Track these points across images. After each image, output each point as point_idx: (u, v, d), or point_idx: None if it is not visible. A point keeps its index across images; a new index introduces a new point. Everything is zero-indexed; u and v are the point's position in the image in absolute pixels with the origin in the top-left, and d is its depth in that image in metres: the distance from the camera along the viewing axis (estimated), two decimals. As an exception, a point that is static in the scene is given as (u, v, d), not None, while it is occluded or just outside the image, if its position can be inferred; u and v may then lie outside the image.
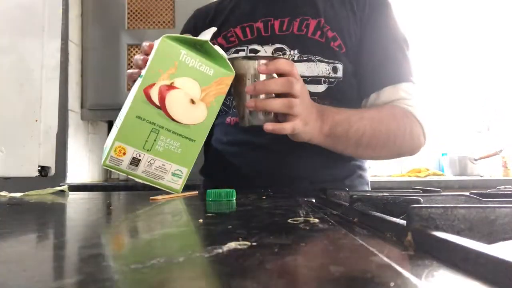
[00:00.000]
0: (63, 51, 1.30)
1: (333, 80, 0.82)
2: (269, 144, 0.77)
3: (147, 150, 0.56)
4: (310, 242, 0.23)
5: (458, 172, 1.94)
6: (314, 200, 0.59)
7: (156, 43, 0.55)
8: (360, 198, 0.37)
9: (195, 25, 0.94)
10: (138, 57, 0.62)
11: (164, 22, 1.61)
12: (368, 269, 0.16)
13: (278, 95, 0.61)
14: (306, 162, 0.78)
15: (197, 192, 0.62)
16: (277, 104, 0.60)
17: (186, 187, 0.60)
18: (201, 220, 0.31)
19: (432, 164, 2.17)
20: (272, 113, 0.62)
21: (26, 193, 0.64)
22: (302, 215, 0.33)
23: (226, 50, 0.86)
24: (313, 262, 0.18)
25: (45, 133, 0.44)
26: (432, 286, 0.16)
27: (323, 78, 0.81)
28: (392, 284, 0.14)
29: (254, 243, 0.21)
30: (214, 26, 0.91)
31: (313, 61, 0.82)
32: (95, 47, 1.58)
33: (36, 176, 0.45)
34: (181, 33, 0.98)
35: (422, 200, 0.33)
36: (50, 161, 0.46)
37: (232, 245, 0.20)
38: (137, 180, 0.56)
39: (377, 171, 2.16)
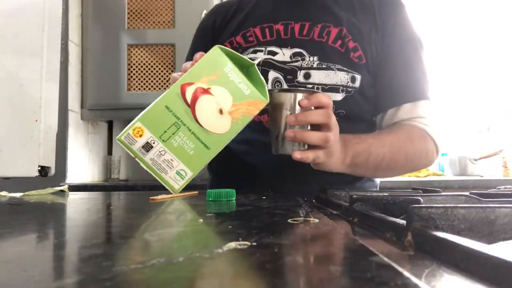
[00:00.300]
0: (63, 51, 1.30)
1: (350, 89, 0.82)
2: None
3: (163, 141, 0.57)
4: (310, 242, 0.23)
5: (458, 172, 1.94)
6: (314, 200, 0.59)
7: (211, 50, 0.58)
8: (360, 198, 0.37)
9: (214, 20, 0.94)
10: (188, 63, 0.63)
11: (164, 22, 1.61)
12: (368, 269, 0.16)
13: (313, 127, 0.62)
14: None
15: (197, 192, 0.62)
16: (315, 137, 0.61)
17: (188, 187, 0.59)
18: (201, 220, 0.31)
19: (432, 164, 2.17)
20: (306, 145, 0.63)
21: (26, 193, 0.64)
22: (302, 215, 0.33)
23: (244, 49, 0.86)
24: (313, 262, 0.18)
25: (45, 133, 0.44)
26: (432, 286, 0.16)
27: (341, 87, 0.81)
28: (392, 284, 0.14)
29: (254, 243, 0.21)
30: (234, 23, 0.91)
31: (332, 69, 0.81)
32: (95, 47, 1.58)
33: (36, 176, 0.45)
34: (199, 27, 0.99)
35: (422, 200, 0.33)
36: (50, 161, 0.46)
37: (232, 245, 0.20)
38: (141, 164, 0.57)
39: (377, 171, 2.16)
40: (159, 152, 0.57)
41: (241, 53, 0.85)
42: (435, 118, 0.85)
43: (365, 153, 0.72)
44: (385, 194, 0.40)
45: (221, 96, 0.58)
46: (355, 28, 0.84)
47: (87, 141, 1.63)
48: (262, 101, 0.60)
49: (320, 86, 0.81)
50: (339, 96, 0.81)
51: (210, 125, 0.58)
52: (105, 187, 1.46)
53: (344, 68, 0.82)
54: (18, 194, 0.63)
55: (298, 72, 0.82)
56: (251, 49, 0.86)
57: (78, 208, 0.45)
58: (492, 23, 2.23)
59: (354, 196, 0.38)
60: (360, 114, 0.84)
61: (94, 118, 1.61)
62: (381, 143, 0.76)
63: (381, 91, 0.84)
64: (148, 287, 0.14)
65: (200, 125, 0.58)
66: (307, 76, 0.81)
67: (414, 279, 0.15)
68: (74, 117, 1.53)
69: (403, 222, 0.26)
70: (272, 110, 0.64)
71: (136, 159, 0.57)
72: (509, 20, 2.22)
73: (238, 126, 0.60)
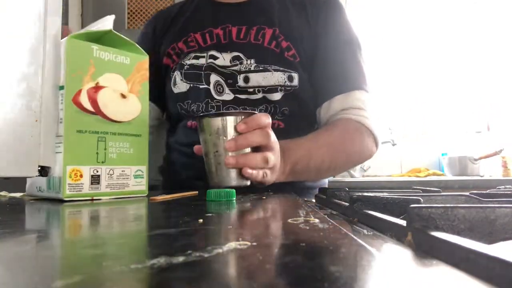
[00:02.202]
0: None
1: (289, 88, 0.84)
2: None
3: (102, 162, 0.52)
4: (310, 242, 0.23)
5: (458, 172, 1.94)
6: (314, 200, 0.59)
7: (63, 46, 0.51)
8: (360, 198, 0.37)
9: (154, 27, 0.96)
10: None
11: (164, 22, 1.61)
12: (368, 269, 0.16)
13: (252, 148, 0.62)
14: None
15: (197, 192, 0.62)
16: (258, 161, 0.60)
17: (188, 187, 0.59)
18: (201, 220, 0.31)
19: (432, 164, 2.17)
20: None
21: (26, 193, 0.64)
22: (302, 215, 0.33)
23: (186, 54, 0.88)
24: (313, 262, 0.18)
25: (45, 133, 0.44)
26: (432, 286, 0.16)
27: (279, 87, 0.83)
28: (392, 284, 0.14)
29: (254, 243, 0.21)
30: (175, 29, 0.93)
31: (269, 70, 0.83)
32: (95, 47, 1.58)
33: (36, 176, 0.45)
34: (140, 35, 0.99)
35: (422, 200, 0.33)
36: (50, 161, 0.46)
37: (232, 245, 0.20)
38: (104, 198, 0.52)
39: (377, 171, 2.16)
40: (109, 174, 0.53)
41: (183, 58, 0.87)
42: (372, 110, 0.86)
43: (304, 159, 0.74)
44: (385, 194, 0.40)
45: (112, 82, 0.54)
46: (288, 28, 0.86)
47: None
48: (145, 59, 0.58)
49: (260, 88, 0.84)
50: (278, 96, 0.84)
51: (124, 115, 0.55)
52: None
53: (281, 68, 0.84)
54: (18, 194, 0.63)
55: (238, 76, 0.84)
56: (193, 54, 0.88)
57: (78, 208, 0.45)
58: (492, 23, 2.23)
59: (354, 196, 0.38)
60: (303, 111, 0.86)
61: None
62: (320, 145, 0.77)
63: (317, 87, 0.87)
64: (148, 287, 0.14)
65: (117, 121, 0.54)
66: (246, 80, 0.84)
67: (414, 279, 0.15)
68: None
69: (403, 222, 0.26)
70: (206, 137, 0.60)
71: (94, 200, 0.51)
72: (509, 20, 2.22)
73: (145, 97, 0.58)
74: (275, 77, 0.83)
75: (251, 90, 0.84)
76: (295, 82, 0.84)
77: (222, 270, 0.16)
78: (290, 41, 0.85)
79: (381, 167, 2.15)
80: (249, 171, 0.59)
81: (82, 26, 1.62)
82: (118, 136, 0.54)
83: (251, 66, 0.84)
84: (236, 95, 0.85)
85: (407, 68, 2.25)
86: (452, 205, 0.25)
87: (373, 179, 1.82)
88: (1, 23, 0.41)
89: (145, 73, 0.58)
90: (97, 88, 0.52)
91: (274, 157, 0.62)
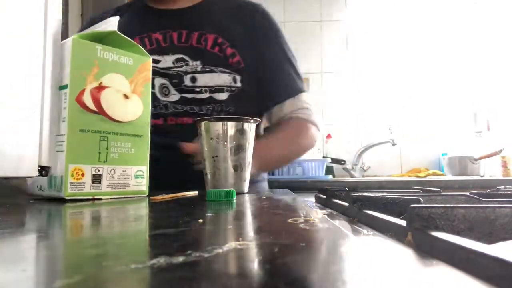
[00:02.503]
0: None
1: (234, 89, 0.90)
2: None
3: (104, 162, 0.52)
4: (310, 242, 0.23)
5: (458, 172, 1.94)
6: (314, 200, 0.59)
7: (68, 46, 0.51)
8: (360, 198, 0.37)
9: None
10: None
11: (164, 22, 1.61)
12: (368, 269, 0.16)
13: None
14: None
15: (197, 192, 0.62)
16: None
17: (188, 186, 0.59)
18: (201, 220, 0.31)
19: (432, 164, 2.17)
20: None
21: (27, 192, 0.63)
22: (302, 215, 0.33)
23: None
24: (313, 262, 0.18)
25: (45, 133, 0.44)
26: (432, 286, 0.16)
27: (225, 87, 0.89)
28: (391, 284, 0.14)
29: (254, 243, 0.21)
30: None
31: (215, 71, 0.89)
32: (95, 47, 1.58)
33: (36, 176, 0.45)
34: None
35: (422, 200, 0.33)
36: (50, 161, 0.46)
37: (232, 245, 0.20)
38: (105, 198, 0.53)
39: (377, 171, 2.16)
40: (110, 174, 0.53)
41: None
42: (311, 105, 1.00)
43: (263, 161, 0.81)
44: (385, 194, 0.40)
45: (115, 82, 0.54)
46: (231, 36, 0.91)
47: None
48: (148, 60, 0.59)
49: (207, 88, 0.88)
50: (224, 95, 0.89)
51: (126, 115, 0.55)
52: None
53: (226, 71, 0.90)
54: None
55: (184, 76, 0.88)
56: None
57: (78, 208, 0.45)
58: (492, 23, 2.23)
59: (354, 196, 0.38)
60: (246, 110, 0.88)
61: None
62: (270, 147, 0.89)
63: (263, 91, 0.95)
64: (148, 287, 0.14)
65: (119, 122, 0.54)
66: (193, 79, 0.88)
67: (414, 279, 0.15)
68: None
69: (403, 222, 0.26)
70: (205, 141, 0.61)
71: (96, 199, 0.51)
72: (509, 20, 2.22)
73: (147, 98, 0.58)
74: (222, 78, 0.89)
75: (198, 89, 0.88)
76: (239, 83, 0.91)
77: (222, 270, 0.16)
78: (236, 48, 0.91)
79: (381, 167, 2.15)
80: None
81: (82, 26, 1.62)
82: (120, 136, 0.54)
83: (197, 67, 0.88)
84: (183, 95, 0.88)
85: (407, 68, 2.25)
86: (452, 205, 0.25)
87: (373, 179, 1.82)
88: (1, 23, 0.41)
89: (148, 74, 0.59)
90: (100, 88, 0.52)
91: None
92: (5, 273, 0.16)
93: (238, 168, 0.60)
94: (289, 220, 0.29)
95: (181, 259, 0.17)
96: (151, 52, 0.87)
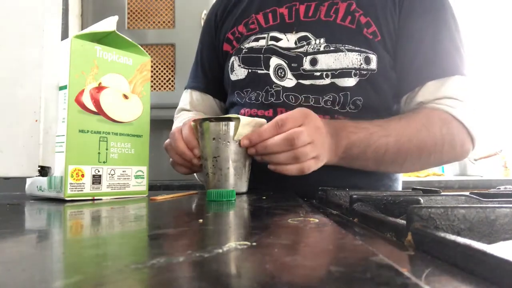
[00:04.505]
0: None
1: (365, 72, 0.71)
2: None
3: (104, 162, 0.53)
4: (310, 242, 0.23)
5: (458, 172, 1.94)
6: (314, 200, 0.59)
7: (67, 46, 0.51)
8: (360, 198, 0.37)
9: (216, 12, 0.90)
10: (186, 126, 0.61)
11: (164, 22, 1.61)
12: (368, 269, 0.16)
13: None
14: (329, 170, 0.66)
15: (197, 192, 0.62)
16: (283, 158, 0.56)
17: (188, 186, 0.59)
18: (201, 220, 0.31)
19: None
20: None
21: (27, 192, 0.63)
22: (302, 215, 0.33)
23: (245, 38, 0.81)
24: (313, 262, 0.18)
25: (45, 133, 0.44)
26: (432, 286, 0.16)
27: (353, 71, 0.70)
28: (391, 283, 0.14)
29: (254, 243, 0.21)
30: (236, 12, 0.86)
31: (342, 50, 0.71)
32: (95, 47, 1.58)
33: (36, 176, 0.45)
34: (204, 22, 0.96)
35: (422, 200, 0.33)
36: (50, 161, 0.46)
37: (232, 245, 0.20)
38: (105, 198, 0.53)
39: (377, 171, 2.16)
40: (110, 174, 0.53)
41: (242, 42, 0.82)
42: (470, 99, 0.70)
43: (362, 144, 0.63)
44: (385, 194, 0.40)
45: (115, 82, 0.54)
46: (367, 2, 0.73)
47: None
48: (147, 60, 0.58)
49: (329, 72, 0.71)
50: (352, 81, 0.71)
51: (126, 115, 0.55)
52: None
53: (356, 48, 0.71)
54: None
55: (304, 58, 0.73)
56: (253, 37, 0.79)
57: (78, 208, 0.45)
58: (492, 23, 2.23)
59: (354, 196, 0.38)
60: (381, 102, 0.73)
61: (94, 118, 1.61)
62: (386, 133, 0.64)
63: (402, 71, 0.72)
64: (148, 287, 0.14)
65: (119, 122, 0.54)
66: (313, 62, 0.72)
67: (414, 279, 0.15)
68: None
69: (403, 222, 0.26)
70: (206, 142, 0.59)
71: (95, 199, 0.52)
72: (508, 20, 2.21)
73: (146, 98, 0.58)
74: (349, 59, 0.70)
75: (318, 74, 0.72)
76: (373, 65, 0.71)
77: (222, 270, 0.16)
78: (371, 16, 0.72)
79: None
80: (272, 167, 0.57)
81: (82, 26, 1.62)
82: (119, 137, 0.55)
83: (320, 46, 0.72)
84: (299, 81, 0.73)
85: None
86: (452, 205, 0.25)
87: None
88: (0, 23, 0.41)
89: (147, 74, 0.58)
90: (100, 88, 0.52)
91: (310, 151, 0.56)
92: (5, 273, 0.16)
93: (239, 168, 0.60)
94: (289, 220, 0.29)
95: (181, 259, 0.17)
96: (273, 29, 0.77)
